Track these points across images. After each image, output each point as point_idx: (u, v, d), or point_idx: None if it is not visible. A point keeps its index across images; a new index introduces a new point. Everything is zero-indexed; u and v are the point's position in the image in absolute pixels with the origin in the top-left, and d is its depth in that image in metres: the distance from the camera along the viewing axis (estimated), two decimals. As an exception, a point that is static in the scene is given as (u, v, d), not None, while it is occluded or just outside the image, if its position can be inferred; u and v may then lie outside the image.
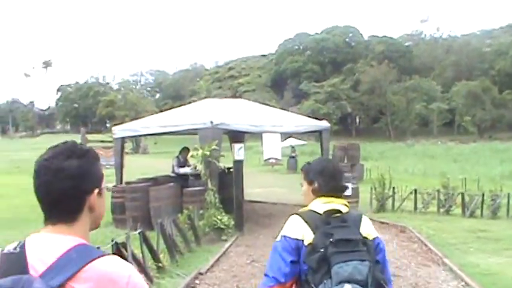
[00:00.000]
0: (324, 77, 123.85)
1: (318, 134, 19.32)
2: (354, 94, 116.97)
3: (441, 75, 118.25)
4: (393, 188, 20.07)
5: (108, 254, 2.03)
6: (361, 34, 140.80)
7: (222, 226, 13.77)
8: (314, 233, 3.38)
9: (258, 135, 19.29)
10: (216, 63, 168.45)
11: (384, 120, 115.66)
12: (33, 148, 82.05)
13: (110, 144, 22.64)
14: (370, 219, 15.24)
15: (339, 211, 3.48)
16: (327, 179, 3.68)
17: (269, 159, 43.90)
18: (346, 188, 3.85)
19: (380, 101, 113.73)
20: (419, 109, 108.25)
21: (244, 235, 14.54)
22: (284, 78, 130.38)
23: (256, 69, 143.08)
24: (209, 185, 14.48)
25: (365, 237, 3.39)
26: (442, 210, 19.41)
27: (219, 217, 13.81)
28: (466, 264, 11.35)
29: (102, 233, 14.77)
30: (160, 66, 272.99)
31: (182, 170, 17.18)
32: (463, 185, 25.17)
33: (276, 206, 20.37)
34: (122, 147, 17.87)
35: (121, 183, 17.26)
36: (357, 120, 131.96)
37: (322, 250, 3.24)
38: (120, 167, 17.38)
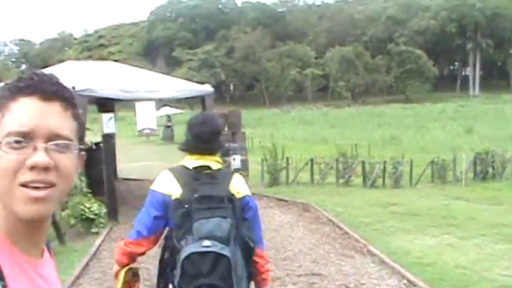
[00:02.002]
0: (197, 44, 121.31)
1: (194, 102, 16.79)
2: (228, 61, 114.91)
3: (315, 41, 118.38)
4: (287, 158, 17.86)
5: None
6: (234, 1, 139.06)
7: (92, 216, 11.02)
8: (182, 188, 3.40)
9: (131, 105, 16.65)
10: (85, 31, 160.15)
11: (258, 87, 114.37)
12: None
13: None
14: (265, 196, 12.28)
15: (209, 167, 3.51)
16: (200, 143, 3.58)
17: (143, 129, 41.41)
18: (221, 147, 3.77)
19: (254, 68, 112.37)
20: (293, 75, 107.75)
21: (119, 224, 11.73)
22: (156, 46, 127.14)
23: (127, 37, 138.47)
24: (72, 166, 11.64)
25: (233, 195, 3.42)
26: (341, 181, 17.49)
27: (86, 205, 10.99)
28: (395, 251, 9.24)
29: None
30: (25, 36, 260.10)
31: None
32: (352, 152, 23.44)
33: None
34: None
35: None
36: (231, 87, 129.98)
37: (186, 206, 3.27)
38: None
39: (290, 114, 75.65)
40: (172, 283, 3.35)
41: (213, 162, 3.59)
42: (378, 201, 14.23)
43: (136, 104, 37.99)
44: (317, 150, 23.68)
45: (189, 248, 3.15)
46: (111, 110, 14.34)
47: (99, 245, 10.08)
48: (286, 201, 14.25)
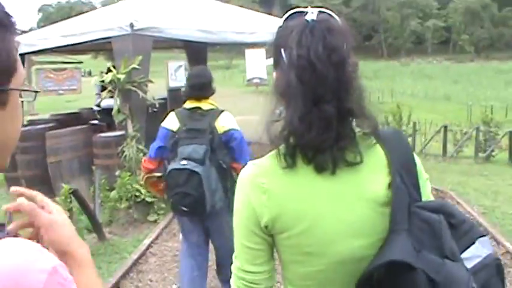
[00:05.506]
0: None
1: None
2: (345, 10, 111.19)
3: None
4: (414, 123, 14.31)
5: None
6: None
7: (149, 199, 8.16)
8: (179, 124, 4.54)
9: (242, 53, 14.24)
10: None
11: (376, 38, 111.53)
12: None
13: (64, 66, 16.95)
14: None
15: (200, 108, 4.60)
16: (194, 91, 4.65)
17: (252, 79, 38.54)
18: (212, 93, 4.76)
19: (373, 18, 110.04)
20: (414, 26, 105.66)
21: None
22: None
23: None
24: (129, 130, 8.67)
25: (215, 128, 4.46)
26: (481, 155, 13.89)
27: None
28: None
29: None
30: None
31: (105, 103, 11.19)
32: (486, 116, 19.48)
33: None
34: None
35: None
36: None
37: (177, 136, 4.46)
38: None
39: (409, 67, 72.61)
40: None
41: (205, 104, 4.66)
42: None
43: (246, 51, 35.05)
44: (443, 111, 19.97)
45: (171, 166, 4.37)
46: (203, 58, 11.42)
47: (149, 245, 7.16)
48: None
